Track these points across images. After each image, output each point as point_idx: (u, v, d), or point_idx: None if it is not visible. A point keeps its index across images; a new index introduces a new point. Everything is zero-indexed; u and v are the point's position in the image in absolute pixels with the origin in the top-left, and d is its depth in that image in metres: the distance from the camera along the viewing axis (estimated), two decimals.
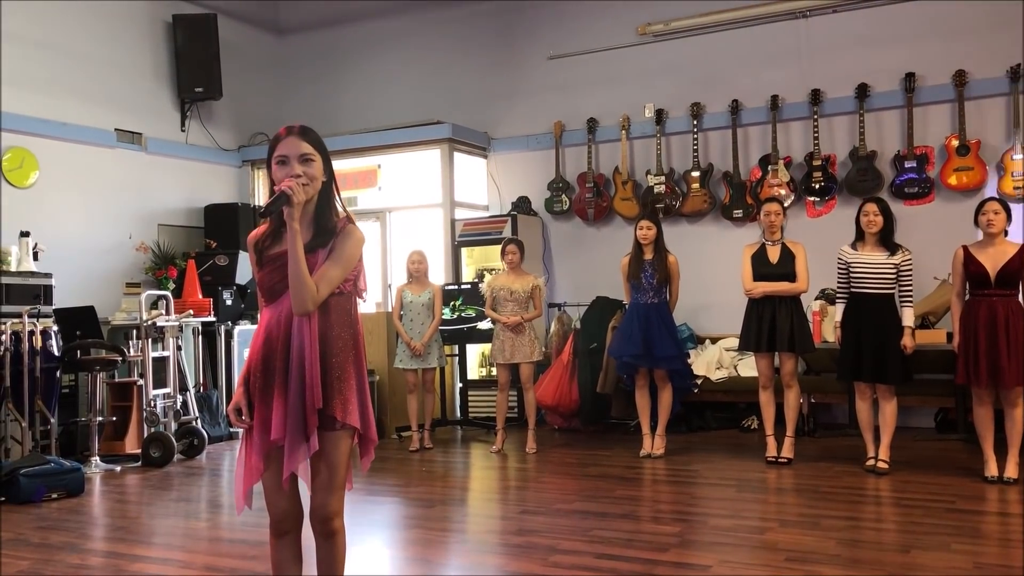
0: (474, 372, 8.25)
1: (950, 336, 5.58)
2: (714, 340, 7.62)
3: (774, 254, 5.87)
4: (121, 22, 8.15)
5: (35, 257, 6.78)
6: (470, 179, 8.71)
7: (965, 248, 5.19)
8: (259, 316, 2.61)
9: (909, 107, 7.19)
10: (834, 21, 7.58)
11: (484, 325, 7.34)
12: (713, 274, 7.49)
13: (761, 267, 5.86)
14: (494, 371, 7.13)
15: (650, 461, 6.08)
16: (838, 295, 5.64)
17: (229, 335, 7.70)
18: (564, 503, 4.98)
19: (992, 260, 5.07)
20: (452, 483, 5.92)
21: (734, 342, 6.74)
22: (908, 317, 5.41)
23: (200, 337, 7.52)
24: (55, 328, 6.42)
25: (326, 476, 2.53)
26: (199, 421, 7.05)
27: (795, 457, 5.81)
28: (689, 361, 6.72)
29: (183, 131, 8.71)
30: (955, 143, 7.04)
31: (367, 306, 7.51)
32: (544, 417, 7.54)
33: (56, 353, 6.33)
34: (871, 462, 5.46)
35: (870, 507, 4.84)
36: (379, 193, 8.74)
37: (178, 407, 6.84)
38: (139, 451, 6.54)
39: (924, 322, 6.37)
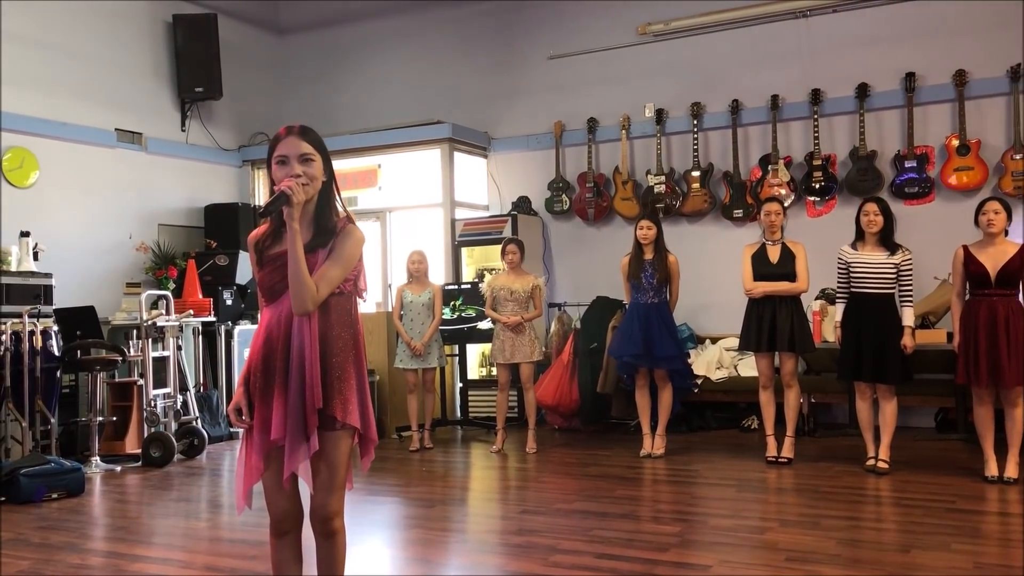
0: (474, 372, 8.25)
1: (950, 336, 5.58)
2: (714, 340, 7.62)
3: (774, 254, 5.87)
4: (121, 22, 8.15)
5: (35, 257, 6.78)
6: (470, 179, 8.71)
7: (965, 248, 5.19)
8: (259, 316, 2.61)
9: (909, 107, 7.19)
10: (834, 21, 7.58)
11: (484, 325, 7.33)
12: (713, 274, 7.49)
13: (761, 267, 5.86)
14: (494, 371, 7.12)
15: (650, 461, 6.09)
16: (838, 295, 5.64)
17: (229, 335, 7.70)
18: (564, 503, 4.98)
19: (992, 260, 5.06)
20: (452, 483, 5.92)
21: (734, 342, 6.74)
22: (908, 317, 5.41)
23: (200, 337, 7.52)
24: (55, 328, 6.42)
25: (326, 476, 2.52)
26: (199, 421, 7.05)
27: (795, 457, 5.81)
28: (689, 361, 6.72)
29: (183, 131, 8.71)
30: (955, 143, 7.04)
31: (367, 306, 7.51)
32: (544, 417, 7.54)
33: (56, 353, 6.33)
34: (871, 462, 5.46)
35: (870, 507, 4.84)
36: (379, 193, 8.74)
37: (178, 407, 6.84)
38: (139, 451, 6.54)
39: (924, 322, 6.37)
